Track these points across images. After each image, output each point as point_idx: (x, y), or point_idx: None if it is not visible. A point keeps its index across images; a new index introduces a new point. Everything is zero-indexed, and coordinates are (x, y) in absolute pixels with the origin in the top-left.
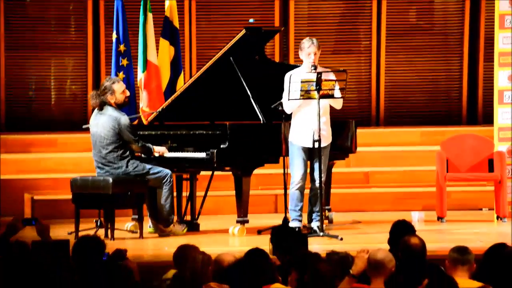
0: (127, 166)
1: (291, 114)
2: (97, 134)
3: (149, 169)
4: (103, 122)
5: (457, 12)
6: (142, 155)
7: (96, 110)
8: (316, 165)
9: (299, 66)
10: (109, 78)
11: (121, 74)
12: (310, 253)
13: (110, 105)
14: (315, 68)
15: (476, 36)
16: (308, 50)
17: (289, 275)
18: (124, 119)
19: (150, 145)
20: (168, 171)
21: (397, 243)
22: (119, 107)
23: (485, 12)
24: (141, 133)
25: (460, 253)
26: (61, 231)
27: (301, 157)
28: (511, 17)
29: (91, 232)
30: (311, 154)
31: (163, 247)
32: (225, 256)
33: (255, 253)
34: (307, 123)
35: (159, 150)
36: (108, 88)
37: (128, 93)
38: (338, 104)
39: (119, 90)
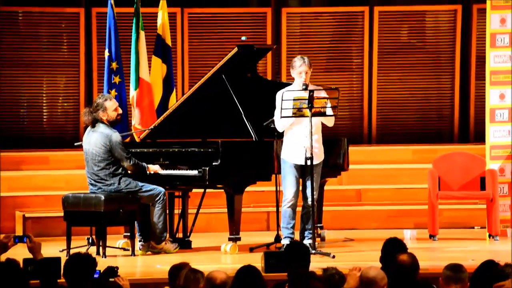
0: (119, 183)
1: (283, 131)
2: (89, 151)
3: (142, 186)
4: (95, 139)
5: (449, 31)
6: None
7: (89, 128)
8: (308, 183)
9: (291, 84)
10: (101, 95)
11: (113, 92)
12: (306, 272)
13: (102, 122)
14: (307, 87)
15: (468, 54)
16: (299, 69)
17: None
18: (116, 136)
19: (144, 164)
20: (161, 189)
21: (389, 261)
22: (112, 124)
23: (476, 31)
24: (133, 150)
25: (454, 271)
26: (52, 249)
27: (293, 175)
28: (502, 36)
29: (83, 250)
30: (303, 171)
31: (155, 265)
32: (217, 273)
33: (247, 271)
34: (299, 140)
35: (153, 168)
36: (100, 105)
37: (120, 111)
38: (330, 122)
39: (111, 107)
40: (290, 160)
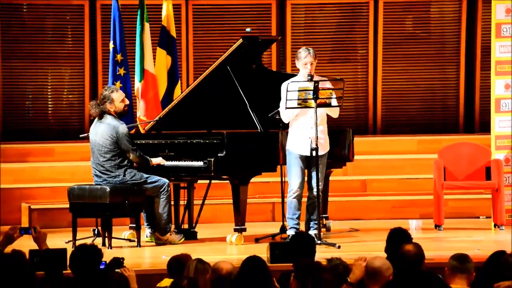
0: (124, 175)
1: (288, 123)
2: (96, 142)
3: (147, 178)
4: (102, 131)
5: (454, 21)
6: (140, 166)
7: (96, 119)
8: (314, 174)
9: (296, 75)
10: (107, 87)
11: (118, 84)
12: (313, 262)
13: (110, 113)
14: (312, 78)
15: (473, 44)
16: (304, 60)
17: (289, 284)
18: (123, 127)
19: (147, 157)
20: (165, 180)
21: (394, 251)
22: (119, 115)
23: (481, 21)
24: (138, 142)
25: (460, 261)
26: (58, 240)
27: (299, 166)
28: (508, 26)
29: (89, 241)
30: (308, 162)
31: (161, 256)
32: (223, 264)
33: (252, 261)
34: (305, 131)
35: (156, 161)
36: (107, 97)
37: (127, 102)
38: (335, 113)
39: (118, 98)
40: (295, 151)
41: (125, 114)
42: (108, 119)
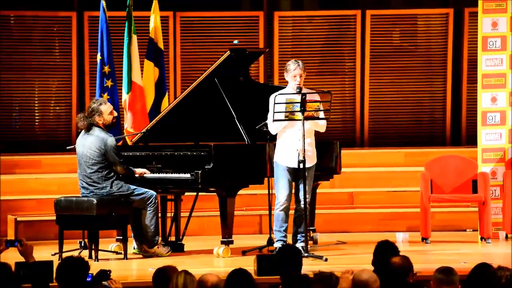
0: (111, 187)
1: (276, 135)
2: (83, 154)
3: (134, 189)
4: (89, 143)
5: (441, 34)
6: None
7: (83, 131)
8: (301, 186)
9: (283, 88)
10: (95, 100)
11: (105, 95)
12: (300, 275)
13: (98, 126)
14: (300, 90)
15: (460, 57)
16: (294, 72)
17: None
18: (111, 140)
19: (131, 168)
20: (153, 192)
21: (381, 263)
22: (107, 128)
23: (468, 34)
24: (125, 154)
25: (445, 274)
26: (45, 252)
27: (286, 178)
28: (494, 39)
29: (75, 253)
30: (296, 174)
31: (148, 268)
32: (209, 276)
33: (238, 274)
34: (292, 143)
35: (139, 171)
36: (95, 110)
37: (115, 114)
38: (322, 128)
39: (106, 111)
40: (283, 163)
41: (113, 126)
42: (96, 131)
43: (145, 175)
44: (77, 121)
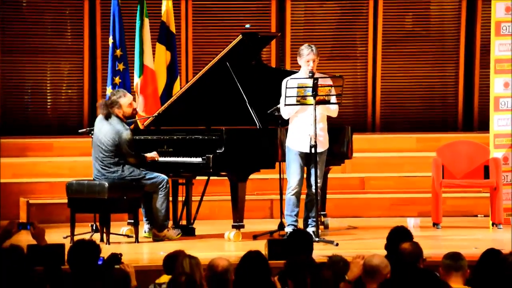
0: (123, 171)
1: (287, 119)
2: (98, 138)
3: (145, 174)
4: (106, 130)
5: (453, 19)
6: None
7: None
8: (313, 171)
9: (295, 72)
10: (116, 91)
11: (117, 79)
12: (304, 260)
13: (117, 116)
14: (313, 75)
15: (472, 42)
16: (307, 57)
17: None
18: (126, 134)
19: (143, 155)
20: (164, 176)
21: (394, 249)
22: (127, 118)
23: (481, 19)
24: (137, 137)
25: (453, 260)
26: (56, 235)
27: (298, 163)
28: (507, 24)
29: (87, 237)
30: (308, 159)
31: (159, 252)
32: (219, 260)
33: (253, 256)
34: (304, 128)
35: (150, 156)
36: (115, 103)
37: (135, 105)
38: (333, 113)
39: (125, 103)
40: (295, 148)
41: (133, 117)
42: (114, 121)
43: (156, 159)
44: (98, 106)
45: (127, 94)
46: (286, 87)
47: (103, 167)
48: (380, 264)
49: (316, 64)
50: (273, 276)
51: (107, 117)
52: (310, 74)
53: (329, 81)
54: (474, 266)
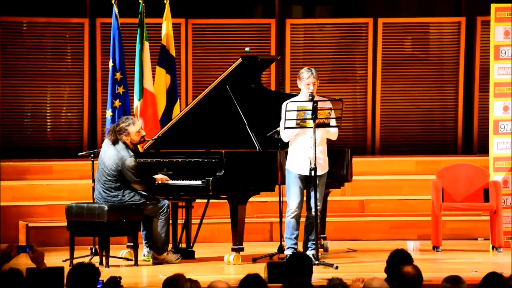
0: (123, 196)
1: (287, 142)
2: (103, 161)
3: (146, 200)
4: (111, 155)
5: (453, 42)
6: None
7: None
8: (313, 194)
9: (295, 95)
10: (125, 118)
11: (117, 102)
12: (302, 282)
13: (124, 143)
14: (313, 98)
15: (472, 66)
16: (307, 80)
17: None
18: (129, 161)
19: (151, 177)
20: (165, 201)
21: (394, 272)
22: (134, 145)
23: (480, 43)
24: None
25: (453, 283)
26: (56, 259)
27: (298, 185)
28: (506, 48)
29: (86, 260)
30: (307, 182)
31: (158, 275)
32: (218, 283)
33: (252, 279)
34: (304, 151)
35: (160, 178)
36: (123, 130)
37: (143, 133)
38: (333, 136)
39: (133, 131)
40: (294, 171)
41: (141, 143)
42: (119, 147)
43: (167, 182)
44: (106, 131)
45: (136, 122)
46: (286, 110)
47: (104, 190)
48: (380, 287)
49: (316, 87)
50: None
51: (114, 142)
52: (310, 97)
53: (328, 104)
54: None
